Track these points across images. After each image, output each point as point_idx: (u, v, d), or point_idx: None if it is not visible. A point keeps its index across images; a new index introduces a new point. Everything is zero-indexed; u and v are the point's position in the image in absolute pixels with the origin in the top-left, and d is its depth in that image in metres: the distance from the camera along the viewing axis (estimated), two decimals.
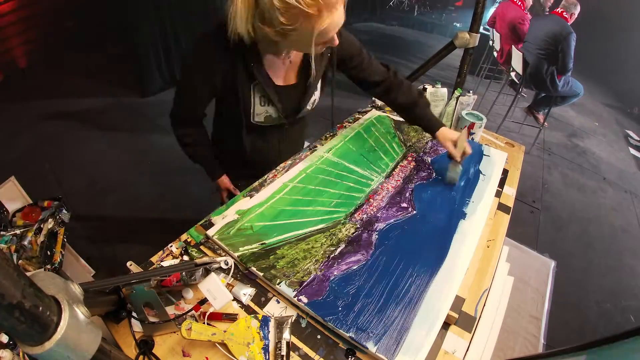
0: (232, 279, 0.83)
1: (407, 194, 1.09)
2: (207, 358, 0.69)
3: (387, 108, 1.62)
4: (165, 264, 0.85)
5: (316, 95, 1.10)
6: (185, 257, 0.87)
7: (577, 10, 3.06)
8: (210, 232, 0.92)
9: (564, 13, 3.05)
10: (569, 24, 3.03)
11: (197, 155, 1.20)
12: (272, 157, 1.20)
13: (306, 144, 1.34)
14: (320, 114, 1.22)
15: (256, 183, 1.12)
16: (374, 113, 1.52)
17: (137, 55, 3.37)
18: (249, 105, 0.99)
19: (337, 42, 0.86)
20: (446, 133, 1.12)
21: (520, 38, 3.60)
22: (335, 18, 0.79)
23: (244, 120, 1.03)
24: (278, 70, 0.99)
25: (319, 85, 1.10)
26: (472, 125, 1.37)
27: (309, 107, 1.10)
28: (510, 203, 1.16)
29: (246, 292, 0.80)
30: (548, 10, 4.48)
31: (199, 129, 1.16)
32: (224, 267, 0.82)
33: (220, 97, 1.04)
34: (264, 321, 0.72)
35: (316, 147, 1.30)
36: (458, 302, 0.81)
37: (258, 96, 0.99)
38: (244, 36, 0.84)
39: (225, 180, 1.26)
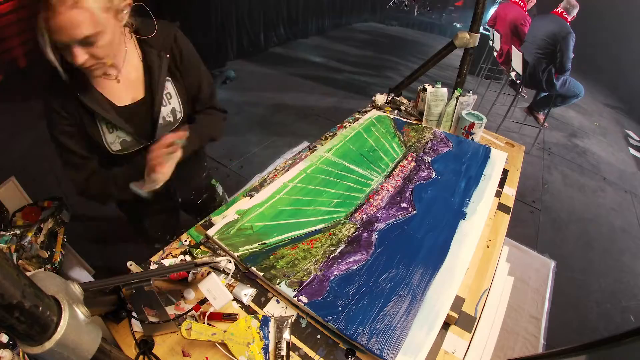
0: (233, 279, 0.83)
1: (407, 194, 1.09)
2: (207, 358, 0.69)
3: (388, 108, 1.62)
4: (166, 262, 0.85)
5: (172, 103, 0.96)
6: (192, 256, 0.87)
7: (577, 11, 3.06)
8: (210, 232, 0.92)
9: (564, 13, 3.05)
10: (568, 24, 3.03)
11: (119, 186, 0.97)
12: (165, 188, 0.95)
13: (306, 144, 1.34)
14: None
15: (256, 183, 1.12)
16: (374, 113, 1.52)
17: None
18: (100, 136, 0.88)
19: (78, 59, 0.73)
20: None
21: (522, 39, 3.60)
22: (58, 19, 0.67)
23: (107, 152, 0.91)
24: (115, 90, 0.88)
25: (172, 92, 0.96)
26: (472, 125, 1.37)
27: (168, 119, 0.95)
28: (510, 203, 1.16)
29: (247, 293, 0.80)
30: (534, 8, 4.46)
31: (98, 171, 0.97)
32: (225, 267, 0.82)
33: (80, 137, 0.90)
34: (264, 321, 0.72)
35: (316, 147, 1.30)
36: (458, 302, 0.81)
37: (104, 124, 0.88)
38: (57, 66, 0.75)
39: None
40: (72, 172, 0.94)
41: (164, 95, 0.94)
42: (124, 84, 0.89)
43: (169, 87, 0.95)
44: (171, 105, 0.96)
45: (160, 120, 0.94)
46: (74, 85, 0.81)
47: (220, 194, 1.38)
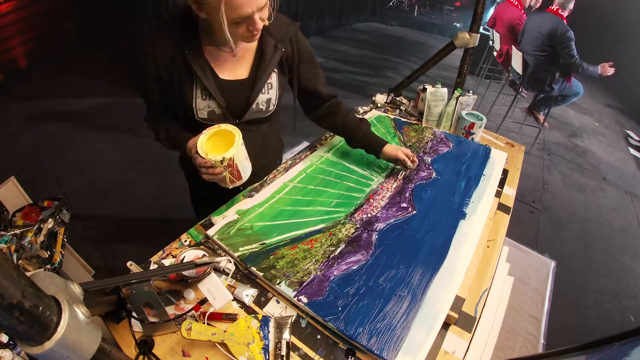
0: (234, 279, 0.83)
1: (407, 194, 1.09)
2: (207, 358, 0.69)
3: (388, 107, 1.62)
4: (165, 262, 0.85)
5: (271, 94, 0.99)
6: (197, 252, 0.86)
7: (572, 4, 3.00)
8: (210, 232, 0.92)
9: (560, 10, 3.01)
10: (564, 21, 2.99)
11: (176, 138, 0.99)
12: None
13: (306, 144, 1.34)
14: None
15: (256, 183, 1.12)
16: (374, 113, 1.52)
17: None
18: (191, 99, 0.91)
19: (259, 24, 0.79)
20: (391, 148, 1.15)
21: (518, 39, 3.60)
22: None
23: (190, 116, 0.94)
24: (223, 63, 0.92)
25: (274, 83, 0.99)
26: (472, 125, 1.37)
27: (261, 106, 0.99)
28: (510, 203, 1.16)
29: (249, 293, 0.80)
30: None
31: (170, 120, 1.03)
32: (225, 267, 0.82)
33: (167, 91, 0.93)
34: (264, 321, 0.72)
35: (316, 147, 1.30)
36: (458, 302, 0.81)
37: (199, 89, 0.91)
38: (190, 15, 0.81)
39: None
40: (152, 123, 1.01)
41: (266, 84, 0.97)
42: (232, 60, 0.93)
43: (273, 78, 0.98)
44: (269, 95, 0.99)
45: (253, 106, 0.97)
46: (187, 46, 0.86)
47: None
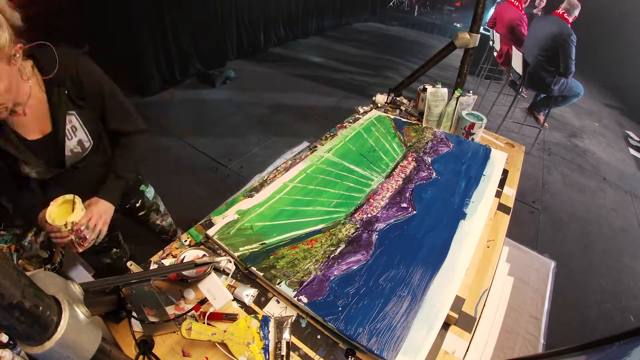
0: (234, 280, 0.83)
1: (407, 194, 1.09)
2: (207, 358, 0.69)
3: (388, 108, 1.62)
4: (165, 262, 0.85)
5: (78, 135, 0.96)
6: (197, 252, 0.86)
7: (578, 11, 3.05)
8: (210, 232, 0.92)
9: (565, 14, 3.03)
10: (569, 25, 3.02)
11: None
12: (85, 198, 0.99)
13: (306, 144, 1.34)
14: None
15: (256, 183, 1.12)
16: (374, 113, 1.52)
17: (137, 55, 3.37)
18: (19, 167, 0.92)
19: None
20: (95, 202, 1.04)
21: (519, 39, 3.60)
22: None
23: (27, 178, 0.96)
24: (25, 124, 0.89)
25: (77, 125, 0.95)
26: (472, 126, 1.37)
27: (76, 150, 0.97)
28: (510, 203, 1.16)
29: (249, 293, 0.80)
30: (541, 11, 4.49)
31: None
32: (225, 267, 0.82)
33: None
34: (264, 321, 0.72)
35: (316, 147, 1.30)
36: (458, 302, 0.81)
37: (20, 161, 0.91)
38: None
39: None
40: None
41: (69, 129, 0.94)
42: (32, 119, 0.90)
43: (74, 120, 0.95)
44: (77, 137, 0.97)
45: (68, 152, 0.96)
46: None
47: (151, 199, 1.38)
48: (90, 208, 0.98)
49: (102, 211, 1.01)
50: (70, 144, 0.96)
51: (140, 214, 1.35)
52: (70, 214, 0.90)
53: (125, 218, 1.35)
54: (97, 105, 0.99)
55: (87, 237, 0.95)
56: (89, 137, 0.99)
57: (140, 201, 1.33)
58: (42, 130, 0.92)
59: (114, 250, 1.34)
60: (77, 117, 0.95)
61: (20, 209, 1.05)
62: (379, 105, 1.63)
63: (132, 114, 1.08)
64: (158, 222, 1.43)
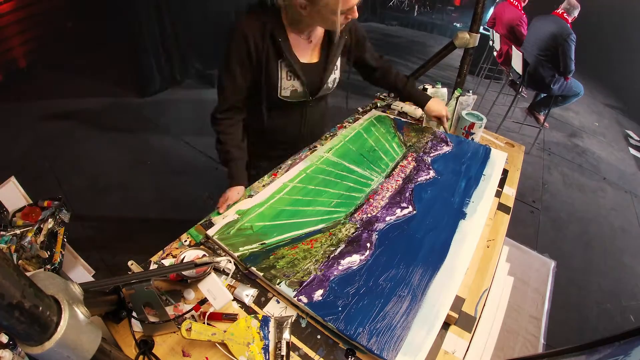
0: (234, 280, 0.83)
1: (407, 194, 1.09)
2: (207, 358, 0.69)
3: (388, 110, 1.62)
4: (165, 262, 0.85)
5: (336, 74, 1.19)
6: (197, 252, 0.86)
7: (577, 12, 3.05)
8: (210, 232, 0.92)
9: (565, 14, 3.04)
10: (569, 25, 3.02)
11: (228, 157, 1.13)
12: (293, 136, 1.27)
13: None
14: None
15: (256, 183, 1.12)
16: (374, 113, 1.52)
17: (137, 55, 3.37)
18: (277, 80, 1.07)
19: (356, 14, 0.98)
20: (435, 104, 1.35)
21: (519, 39, 3.60)
22: None
23: (272, 95, 1.10)
24: (301, 48, 1.09)
25: (338, 64, 1.18)
26: (472, 125, 1.37)
27: (330, 84, 1.18)
28: (510, 203, 1.16)
29: (249, 293, 0.80)
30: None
31: (237, 126, 1.15)
32: (225, 267, 0.82)
33: (254, 73, 1.08)
34: (264, 321, 0.72)
35: (316, 147, 1.30)
36: (458, 302, 0.81)
37: (285, 71, 1.08)
38: (276, 5, 1.00)
39: (239, 190, 1.11)
40: (224, 106, 1.12)
41: (335, 65, 1.17)
42: (308, 46, 1.11)
43: (338, 61, 1.18)
44: (335, 75, 1.19)
45: (326, 84, 1.17)
46: (279, 36, 1.03)
47: None
48: (441, 112, 1.35)
49: (438, 103, 1.36)
50: (330, 78, 1.17)
51: None
52: None
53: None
54: (366, 54, 1.28)
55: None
56: (339, 78, 1.23)
57: None
58: (310, 59, 1.13)
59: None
60: (341, 59, 1.19)
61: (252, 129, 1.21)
62: (379, 105, 1.63)
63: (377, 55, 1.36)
64: None
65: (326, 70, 1.14)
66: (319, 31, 1.12)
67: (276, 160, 1.21)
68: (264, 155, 1.29)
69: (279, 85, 1.09)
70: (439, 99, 1.37)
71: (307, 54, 1.12)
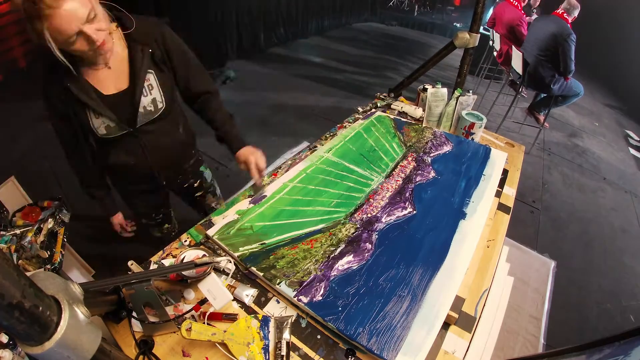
0: (233, 279, 0.83)
1: (407, 194, 1.09)
2: (207, 358, 0.69)
3: (388, 110, 1.62)
4: (165, 262, 0.85)
5: (153, 94, 1.02)
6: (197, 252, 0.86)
7: (577, 12, 3.05)
8: (210, 232, 0.92)
9: (565, 14, 3.04)
10: (569, 25, 3.02)
11: (92, 191, 1.21)
12: (146, 169, 1.12)
13: (306, 144, 1.34)
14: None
15: (251, 185, 1.12)
16: (374, 113, 1.52)
17: None
18: (87, 121, 0.97)
19: (95, 36, 0.83)
20: (245, 151, 1.12)
21: (519, 39, 3.60)
22: (58, 16, 0.77)
23: (95, 136, 1.01)
24: (103, 79, 0.97)
25: (154, 84, 1.02)
26: (472, 125, 1.37)
27: (149, 108, 1.02)
28: (510, 203, 1.16)
29: (249, 293, 0.80)
30: (536, 9, 4.49)
31: (84, 157, 1.11)
32: (225, 267, 0.82)
33: (71, 123, 1.01)
34: (264, 321, 0.72)
35: (316, 147, 1.30)
36: (458, 302, 0.81)
37: (90, 111, 0.96)
38: (66, 63, 0.85)
39: (119, 217, 1.32)
40: (68, 151, 1.09)
41: (145, 87, 1.00)
42: (110, 74, 0.97)
43: (151, 79, 1.01)
44: (152, 95, 1.02)
45: (141, 109, 1.01)
46: (67, 77, 0.91)
47: (209, 180, 1.43)
48: (250, 158, 1.07)
49: (251, 153, 1.10)
50: (145, 101, 1.01)
51: (197, 194, 1.41)
52: None
53: (178, 197, 1.43)
54: (180, 70, 1.08)
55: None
56: (163, 98, 1.05)
57: (198, 182, 1.38)
58: (119, 87, 0.99)
59: (166, 225, 1.46)
60: (155, 77, 1.02)
61: (80, 171, 1.15)
62: (379, 105, 1.63)
63: (208, 76, 1.18)
64: (213, 204, 1.48)
65: (134, 94, 0.98)
66: (119, 54, 0.97)
67: (154, 194, 1.24)
68: (140, 200, 1.31)
69: (92, 126, 0.98)
70: (252, 148, 1.13)
71: (112, 83, 0.98)
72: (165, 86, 1.05)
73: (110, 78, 0.97)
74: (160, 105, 1.04)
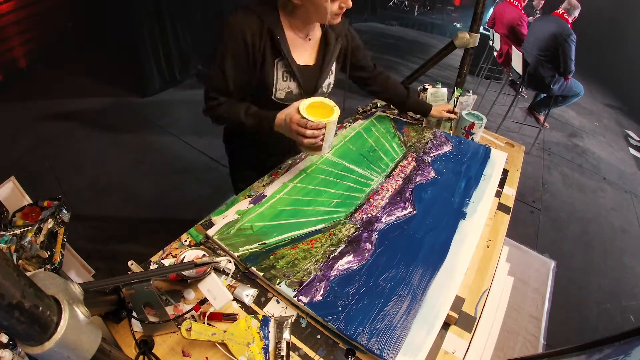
0: (233, 279, 0.83)
1: (407, 194, 1.09)
2: (207, 358, 0.69)
3: (388, 110, 1.62)
4: (165, 262, 0.85)
5: (331, 79, 1.15)
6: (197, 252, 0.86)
7: (578, 12, 3.05)
8: (210, 232, 0.92)
9: (565, 14, 3.04)
10: (569, 25, 3.02)
11: (250, 120, 1.06)
12: (284, 145, 1.17)
13: None
14: None
15: (256, 183, 1.12)
16: (374, 113, 1.52)
17: (137, 55, 3.37)
18: (272, 80, 1.02)
19: (350, 3, 0.94)
20: (438, 108, 1.37)
21: (519, 39, 3.60)
22: None
23: (265, 96, 1.04)
24: (299, 49, 1.04)
25: (333, 69, 1.15)
26: (472, 125, 1.37)
27: (324, 89, 1.14)
28: (510, 203, 1.16)
29: (249, 293, 0.80)
30: (539, 11, 4.50)
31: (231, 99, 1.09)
32: (225, 267, 0.82)
33: (249, 72, 1.02)
34: (264, 321, 0.72)
35: None
36: (458, 302, 0.81)
37: (281, 71, 1.02)
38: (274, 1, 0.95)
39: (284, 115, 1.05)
40: (212, 91, 1.06)
41: (330, 70, 1.13)
42: (307, 47, 1.07)
43: (333, 66, 1.15)
44: (330, 80, 1.16)
45: (321, 88, 1.12)
46: (277, 29, 0.97)
47: None
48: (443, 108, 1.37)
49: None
50: (326, 82, 1.13)
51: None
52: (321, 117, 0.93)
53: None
54: (358, 60, 1.23)
55: (325, 145, 1.01)
56: (332, 84, 1.18)
57: None
58: (306, 61, 1.08)
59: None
60: (336, 64, 1.15)
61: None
62: (379, 105, 1.63)
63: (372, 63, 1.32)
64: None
65: (322, 73, 1.09)
66: (317, 32, 1.08)
67: (267, 169, 1.16)
68: (253, 167, 1.25)
69: (274, 86, 1.03)
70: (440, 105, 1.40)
71: (304, 55, 1.06)
72: (338, 76, 1.18)
73: (302, 50, 1.05)
74: (329, 90, 1.17)
